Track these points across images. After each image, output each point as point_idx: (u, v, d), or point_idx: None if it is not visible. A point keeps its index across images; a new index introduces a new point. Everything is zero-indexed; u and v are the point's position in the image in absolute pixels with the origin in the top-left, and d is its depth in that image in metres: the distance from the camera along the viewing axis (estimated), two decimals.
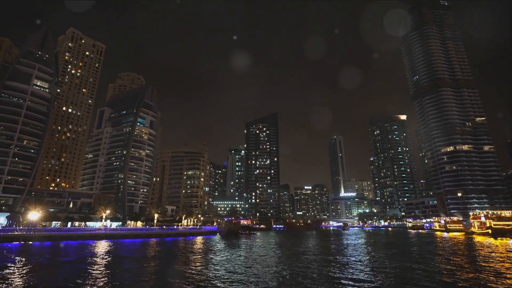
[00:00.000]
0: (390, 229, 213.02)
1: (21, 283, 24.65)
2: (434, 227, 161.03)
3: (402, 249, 60.04)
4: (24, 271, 29.91)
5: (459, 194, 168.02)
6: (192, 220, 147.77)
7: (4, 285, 23.63)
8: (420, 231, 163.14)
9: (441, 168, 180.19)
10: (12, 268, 31.51)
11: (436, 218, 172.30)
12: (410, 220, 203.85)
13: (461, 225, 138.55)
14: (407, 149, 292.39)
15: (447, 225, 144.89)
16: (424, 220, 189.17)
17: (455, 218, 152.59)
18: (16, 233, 66.37)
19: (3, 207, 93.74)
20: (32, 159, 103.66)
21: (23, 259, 39.29)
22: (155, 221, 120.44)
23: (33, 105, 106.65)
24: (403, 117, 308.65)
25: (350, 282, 26.31)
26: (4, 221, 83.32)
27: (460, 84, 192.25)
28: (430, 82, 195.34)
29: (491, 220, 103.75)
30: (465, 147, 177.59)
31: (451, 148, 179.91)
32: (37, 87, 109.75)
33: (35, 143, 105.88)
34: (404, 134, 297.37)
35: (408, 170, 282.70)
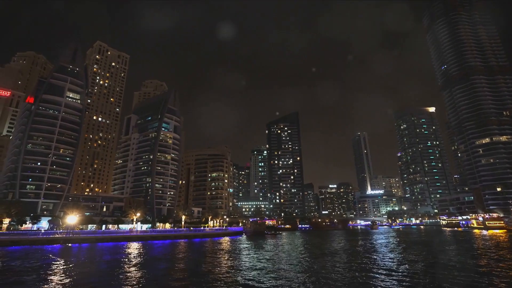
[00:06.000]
0: (422, 227, 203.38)
1: (64, 282, 26.35)
2: (472, 225, 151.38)
3: (444, 248, 57.03)
4: (66, 271, 31.94)
5: (499, 189, 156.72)
6: (218, 221, 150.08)
7: (50, 284, 25.40)
8: (456, 229, 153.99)
9: (477, 161, 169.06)
10: (56, 268, 33.78)
11: (473, 215, 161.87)
12: (445, 218, 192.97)
13: (502, 222, 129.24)
14: (437, 142, 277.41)
15: (486, 222, 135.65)
16: (459, 217, 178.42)
17: (494, 215, 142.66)
18: (57, 236, 70.98)
19: (45, 212, 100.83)
20: (68, 167, 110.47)
21: (65, 260, 41.97)
22: (183, 223, 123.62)
23: (67, 116, 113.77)
24: (432, 109, 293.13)
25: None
26: (46, 225, 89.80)
27: (494, 71, 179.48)
28: (460, 70, 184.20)
29: None
30: (503, 138, 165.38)
31: (487, 140, 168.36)
32: (69, 99, 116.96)
33: (70, 151, 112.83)
34: (434, 127, 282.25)
35: (440, 164, 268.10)
